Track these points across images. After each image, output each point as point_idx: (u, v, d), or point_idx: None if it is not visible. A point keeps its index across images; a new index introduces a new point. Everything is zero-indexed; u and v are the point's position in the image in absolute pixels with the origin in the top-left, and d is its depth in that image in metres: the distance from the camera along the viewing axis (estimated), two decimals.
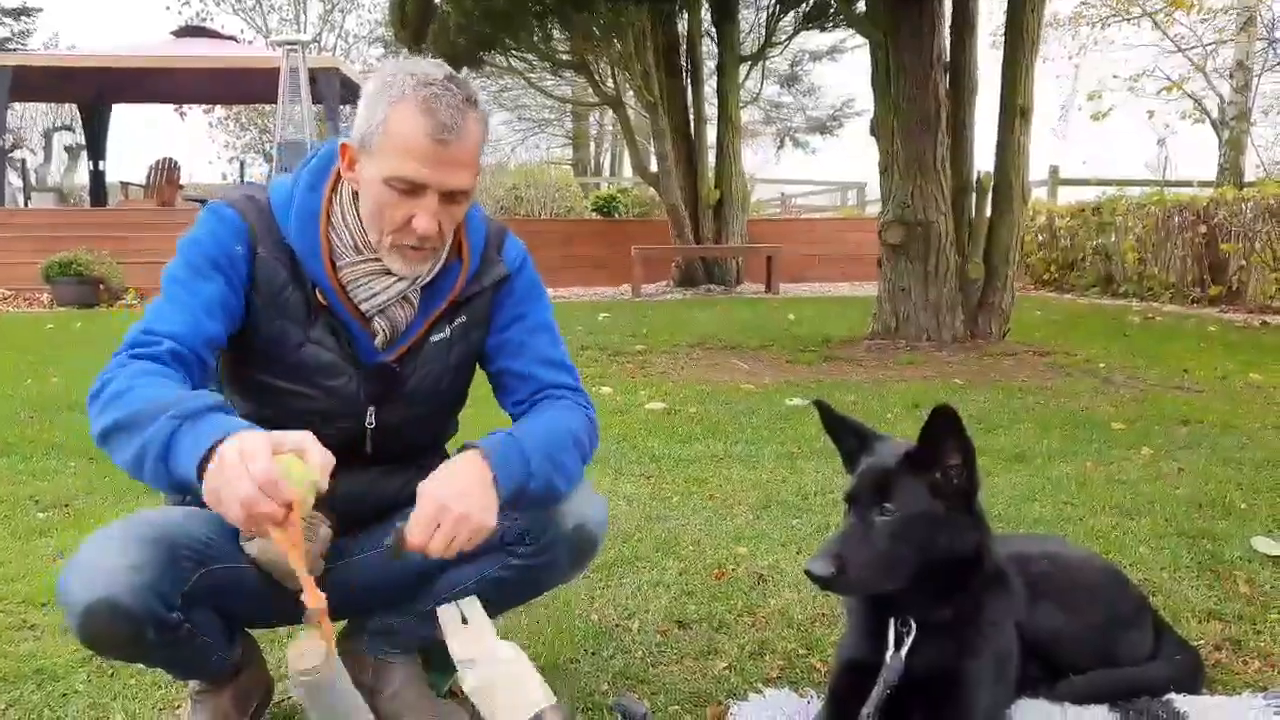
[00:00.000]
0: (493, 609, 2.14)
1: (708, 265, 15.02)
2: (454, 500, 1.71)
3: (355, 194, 1.87)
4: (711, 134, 15.37)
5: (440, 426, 2.15)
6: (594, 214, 18.61)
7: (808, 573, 1.80)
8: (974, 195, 8.17)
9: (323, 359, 1.90)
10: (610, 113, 20.94)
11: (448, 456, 2.17)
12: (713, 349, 8.19)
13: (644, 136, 18.61)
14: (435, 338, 1.98)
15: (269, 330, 1.87)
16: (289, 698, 2.26)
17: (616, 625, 2.66)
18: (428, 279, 1.92)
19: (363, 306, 1.90)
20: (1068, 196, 16.11)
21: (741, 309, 11.80)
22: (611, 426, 5.06)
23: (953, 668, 1.91)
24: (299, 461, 1.53)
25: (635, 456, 4.47)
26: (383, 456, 2.01)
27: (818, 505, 3.70)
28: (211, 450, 1.49)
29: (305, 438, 1.56)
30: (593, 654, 2.48)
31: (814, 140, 35.08)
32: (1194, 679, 2.26)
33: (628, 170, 28.26)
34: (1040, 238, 15.02)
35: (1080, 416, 5.31)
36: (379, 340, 1.92)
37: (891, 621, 1.92)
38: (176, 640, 1.76)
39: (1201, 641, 2.49)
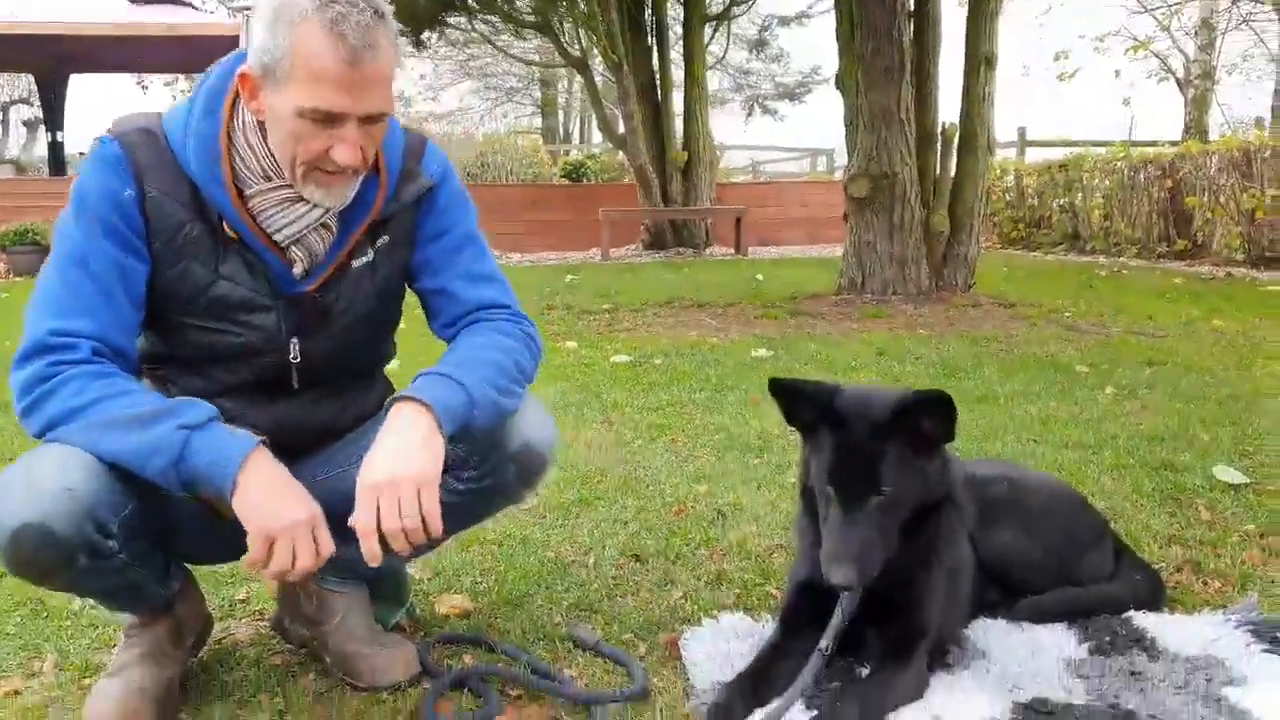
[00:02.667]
0: (444, 532, 2.09)
1: (676, 228, 14.91)
2: (381, 474, 1.66)
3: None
4: (679, 98, 15.23)
5: (372, 352, 2.05)
6: (562, 180, 18.44)
7: (835, 585, 1.75)
8: (939, 146, 8.12)
9: (238, 295, 1.80)
10: (578, 80, 20.75)
11: (386, 381, 2.12)
12: (680, 308, 8.12)
13: (611, 102, 18.42)
14: (358, 262, 1.87)
15: (174, 271, 1.77)
16: (230, 635, 2.20)
17: (572, 561, 2.61)
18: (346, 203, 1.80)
19: (277, 236, 1.78)
20: (1035, 159, 16.10)
21: (710, 270, 11.73)
22: (575, 378, 5.00)
23: (905, 583, 1.87)
24: None
25: (598, 405, 4.41)
26: (311, 388, 1.92)
27: (778, 446, 3.66)
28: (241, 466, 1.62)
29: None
30: (547, 588, 2.43)
31: (782, 107, 34.98)
32: (1154, 598, 2.24)
33: (597, 137, 28.06)
34: (1007, 197, 15.02)
35: (1045, 361, 5.29)
36: (298, 270, 1.81)
37: None
38: (110, 569, 1.68)
39: (1162, 564, 2.46)
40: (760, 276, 10.51)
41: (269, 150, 1.73)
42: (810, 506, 1.93)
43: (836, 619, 1.81)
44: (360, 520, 1.65)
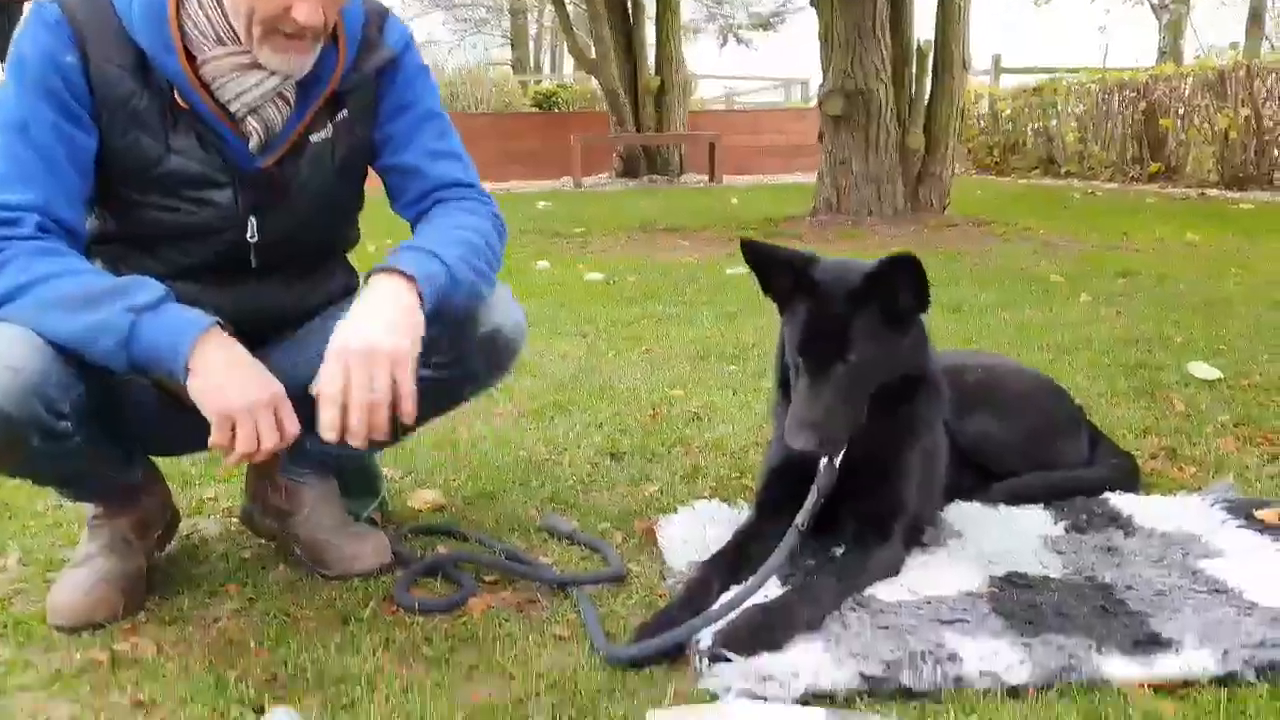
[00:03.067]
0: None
1: (650, 155, 14.72)
2: (356, 342, 1.57)
3: None
4: (651, 27, 14.93)
5: (334, 234, 1.98)
6: (533, 109, 18.16)
7: (797, 449, 1.72)
8: (914, 64, 8.02)
9: (191, 170, 1.72)
10: (549, 11, 20.35)
11: (349, 266, 2.05)
12: (654, 231, 8.04)
13: (584, 31, 18.09)
14: (316, 137, 1.79)
15: (122, 144, 1.68)
16: (198, 531, 2.16)
17: (547, 459, 2.58)
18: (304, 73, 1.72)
19: (231, 107, 1.70)
20: (1011, 86, 15.99)
21: (684, 196, 11.63)
22: (548, 294, 4.94)
23: (881, 460, 1.85)
24: None
25: (572, 319, 4.35)
26: (271, 269, 1.85)
27: (754, 355, 3.63)
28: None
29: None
30: (521, 484, 2.40)
31: (756, 37, 34.52)
32: (1130, 482, 2.24)
33: (568, 68, 27.65)
34: (981, 122, 14.94)
35: (1020, 274, 5.28)
36: (253, 144, 1.73)
37: None
38: (66, 452, 1.62)
39: (1138, 452, 2.46)
40: (735, 201, 10.44)
41: (223, 12, 1.64)
42: (786, 389, 1.90)
43: (812, 497, 1.79)
44: (325, 387, 1.55)
